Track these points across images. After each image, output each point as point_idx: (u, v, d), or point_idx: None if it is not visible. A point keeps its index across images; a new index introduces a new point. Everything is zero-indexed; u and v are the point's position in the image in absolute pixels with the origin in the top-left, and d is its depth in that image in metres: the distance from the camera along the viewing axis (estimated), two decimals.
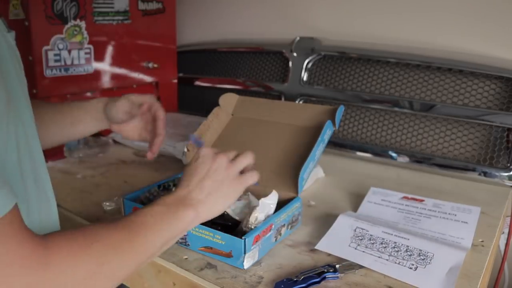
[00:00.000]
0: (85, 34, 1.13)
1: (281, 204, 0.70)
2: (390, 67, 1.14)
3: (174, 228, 0.55)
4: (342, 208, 0.84)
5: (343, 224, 0.73)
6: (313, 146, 0.79)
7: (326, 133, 0.83)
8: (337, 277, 0.60)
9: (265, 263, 0.65)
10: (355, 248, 0.67)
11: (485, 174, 0.98)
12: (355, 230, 0.71)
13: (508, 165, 0.97)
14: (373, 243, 0.67)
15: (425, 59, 1.08)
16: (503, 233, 0.96)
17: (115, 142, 1.22)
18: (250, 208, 0.68)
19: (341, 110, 0.86)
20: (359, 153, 1.15)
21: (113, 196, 0.84)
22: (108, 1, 1.18)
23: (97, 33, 1.16)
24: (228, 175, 0.60)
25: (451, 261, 0.62)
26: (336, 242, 0.69)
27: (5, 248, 0.39)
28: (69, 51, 1.11)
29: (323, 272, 0.60)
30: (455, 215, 0.77)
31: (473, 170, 1.00)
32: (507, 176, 0.96)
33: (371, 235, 0.69)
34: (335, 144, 1.17)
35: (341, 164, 1.10)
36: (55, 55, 1.08)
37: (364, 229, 0.71)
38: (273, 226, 0.66)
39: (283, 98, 1.29)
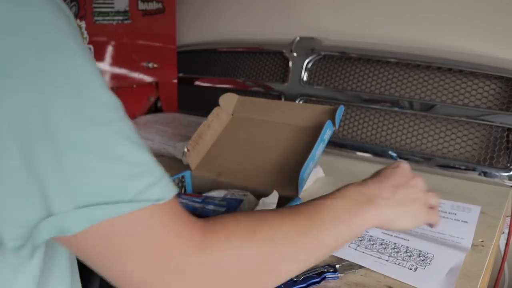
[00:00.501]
0: (85, 34, 1.13)
1: (281, 204, 0.70)
2: (390, 67, 1.14)
3: (353, 226, 0.49)
4: None
5: None
6: (313, 146, 0.79)
7: (326, 133, 0.83)
8: (337, 277, 0.60)
9: None
10: (355, 249, 0.67)
11: (485, 174, 0.98)
12: None
13: (508, 165, 0.97)
14: (372, 244, 0.67)
15: (425, 59, 1.08)
16: (503, 233, 0.96)
17: None
18: (250, 208, 0.68)
19: (341, 110, 0.86)
20: (359, 153, 1.15)
21: None
22: (108, 1, 1.18)
23: (97, 33, 1.16)
24: (421, 199, 0.56)
25: (451, 262, 0.62)
26: None
27: (169, 233, 0.38)
28: None
29: (323, 272, 0.60)
30: (455, 214, 0.77)
31: (473, 170, 1.00)
32: (507, 176, 0.96)
33: (370, 236, 0.69)
34: (335, 144, 1.17)
35: (341, 164, 1.10)
36: None
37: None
38: None
39: (283, 98, 1.29)
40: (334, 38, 1.27)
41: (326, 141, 0.84)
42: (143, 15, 1.29)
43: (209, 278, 0.39)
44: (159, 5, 1.33)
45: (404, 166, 0.59)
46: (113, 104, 0.38)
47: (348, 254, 0.65)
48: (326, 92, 1.22)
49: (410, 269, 0.61)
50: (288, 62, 1.30)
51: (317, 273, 0.60)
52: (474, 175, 0.99)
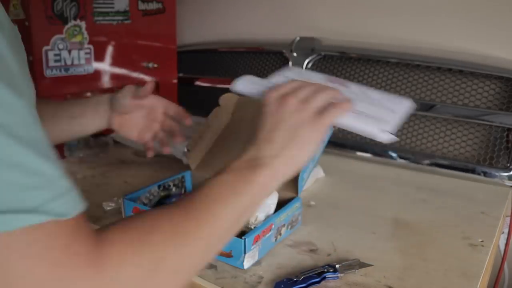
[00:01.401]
0: (85, 34, 1.13)
1: (281, 204, 0.70)
2: (390, 67, 1.14)
3: (248, 196, 0.47)
4: (342, 208, 0.84)
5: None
6: None
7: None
8: (337, 277, 0.60)
9: (265, 263, 0.65)
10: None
11: (485, 174, 0.98)
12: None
13: (508, 165, 0.97)
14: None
15: (425, 59, 1.08)
16: (503, 233, 0.96)
17: (115, 142, 1.22)
18: None
19: None
20: (359, 153, 1.15)
21: (113, 196, 0.84)
22: (108, 1, 1.18)
23: (97, 33, 1.16)
24: (302, 118, 0.51)
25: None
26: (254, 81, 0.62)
27: (62, 253, 0.35)
28: (69, 51, 1.11)
29: (323, 272, 0.60)
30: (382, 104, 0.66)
31: (473, 170, 1.00)
32: (507, 176, 0.96)
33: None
34: (335, 144, 1.17)
35: (341, 164, 1.10)
36: (55, 55, 1.08)
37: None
38: (273, 226, 0.66)
39: None
40: (334, 38, 1.27)
41: (326, 141, 0.84)
42: (143, 15, 1.29)
43: None
44: (159, 5, 1.33)
45: (268, 100, 0.54)
46: (18, 108, 0.34)
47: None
48: None
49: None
50: (288, 62, 1.30)
51: (317, 273, 0.60)
52: (474, 175, 0.99)
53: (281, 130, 0.51)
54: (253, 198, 0.48)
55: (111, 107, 0.80)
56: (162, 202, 0.80)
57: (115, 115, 0.81)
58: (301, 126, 0.52)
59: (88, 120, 0.79)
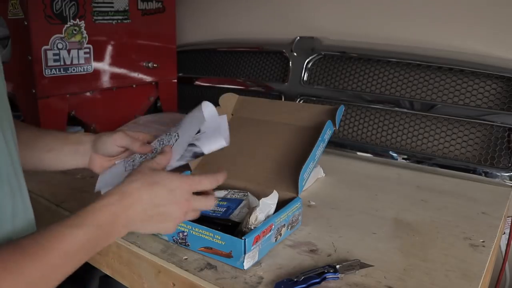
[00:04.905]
0: (85, 34, 1.13)
1: (281, 204, 0.70)
2: (390, 67, 1.14)
3: (97, 249, 0.51)
4: (342, 208, 0.84)
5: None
6: (313, 146, 0.79)
7: (326, 133, 0.83)
8: (337, 277, 0.60)
9: (265, 264, 0.64)
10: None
11: (486, 174, 0.98)
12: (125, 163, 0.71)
13: (509, 165, 0.96)
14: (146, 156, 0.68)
15: (426, 59, 1.08)
16: (504, 233, 0.96)
17: None
18: (250, 208, 0.68)
19: (341, 110, 0.86)
20: (359, 153, 1.14)
21: None
22: (108, 1, 1.18)
23: (96, 33, 1.16)
24: (176, 220, 0.57)
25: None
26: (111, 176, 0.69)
27: None
28: (69, 51, 1.10)
29: (323, 273, 0.60)
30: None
31: (474, 170, 0.99)
32: (508, 176, 0.96)
33: (140, 154, 0.70)
34: (335, 144, 1.16)
35: (341, 164, 1.09)
36: (54, 54, 1.07)
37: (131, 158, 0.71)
38: (273, 226, 0.66)
39: (283, 98, 1.29)
40: (334, 38, 1.26)
41: (326, 141, 0.84)
42: (142, 14, 1.28)
43: None
44: (159, 5, 1.33)
45: (178, 185, 0.56)
46: None
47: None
48: (326, 92, 1.22)
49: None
50: (288, 62, 1.30)
51: (317, 274, 0.59)
52: (475, 175, 0.99)
53: (156, 213, 0.55)
54: (97, 250, 0.51)
55: (94, 148, 0.74)
56: None
57: (97, 156, 0.75)
58: (169, 223, 0.57)
59: (66, 156, 0.75)
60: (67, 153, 0.74)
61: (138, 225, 0.55)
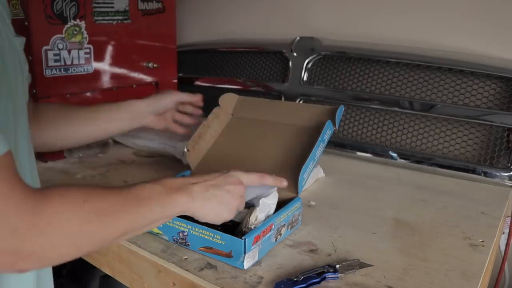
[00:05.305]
0: (85, 34, 1.13)
1: (281, 204, 0.70)
2: (390, 67, 1.14)
3: (165, 207, 0.56)
4: (342, 208, 0.84)
5: None
6: (313, 146, 0.79)
7: (326, 133, 0.83)
8: (337, 277, 0.60)
9: (265, 263, 0.64)
10: None
11: (485, 174, 0.98)
12: None
13: (509, 165, 0.97)
14: None
15: (425, 59, 1.08)
16: (503, 233, 0.96)
17: (115, 142, 1.22)
18: (250, 208, 0.68)
19: (341, 110, 0.86)
20: (359, 153, 1.15)
21: None
22: (108, 1, 1.18)
23: (97, 33, 1.16)
24: (230, 204, 0.62)
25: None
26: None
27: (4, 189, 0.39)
28: (69, 51, 1.10)
29: (323, 272, 0.60)
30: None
31: (474, 170, 1.00)
32: (508, 176, 0.96)
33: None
34: (335, 144, 1.17)
35: (341, 164, 1.10)
36: (55, 55, 1.07)
37: None
38: (273, 226, 0.66)
39: (283, 98, 1.29)
40: (334, 38, 1.26)
41: (326, 141, 0.84)
42: (143, 14, 1.28)
43: (39, 238, 0.42)
44: (159, 5, 1.33)
45: (232, 173, 0.65)
46: None
47: None
48: (326, 92, 1.22)
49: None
50: (288, 62, 1.30)
51: (317, 273, 0.59)
52: (474, 175, 0.99)
53: (216, 192, 0.61)
54: (167, 213, 0.57)
55: (148, 109, 0.91)
56: None
57: (152, 114, 0.92)
58: (225, 205, 0.62)
59: (124, 123, 0.90)
60: (126, 120, 0.89)
61: (197, 195, 0.59)
